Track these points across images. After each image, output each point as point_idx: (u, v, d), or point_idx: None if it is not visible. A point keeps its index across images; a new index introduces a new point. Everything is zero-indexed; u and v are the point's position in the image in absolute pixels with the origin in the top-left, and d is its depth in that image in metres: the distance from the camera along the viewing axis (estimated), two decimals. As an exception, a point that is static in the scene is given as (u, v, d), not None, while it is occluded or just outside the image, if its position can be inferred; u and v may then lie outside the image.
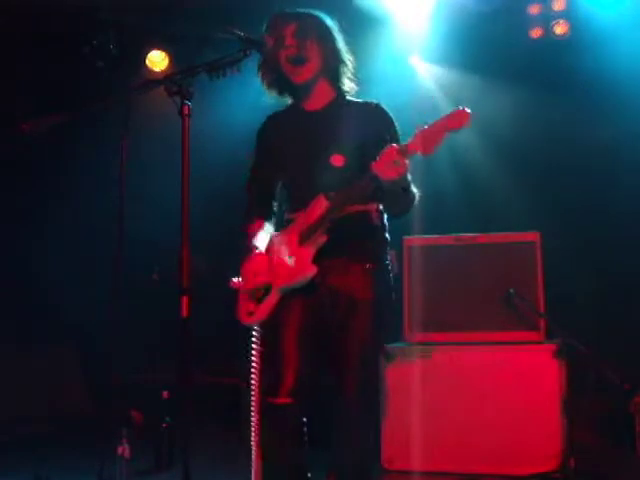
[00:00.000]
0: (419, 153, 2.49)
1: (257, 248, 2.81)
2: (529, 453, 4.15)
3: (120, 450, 4.31)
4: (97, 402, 6.27)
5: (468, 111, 2.45)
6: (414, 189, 2.73)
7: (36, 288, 6.49)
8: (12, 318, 6.45)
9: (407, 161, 2.51)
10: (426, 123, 2.49)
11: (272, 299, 2.75)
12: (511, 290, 4.36)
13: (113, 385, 5.18)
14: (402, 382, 4.36)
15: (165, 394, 4.65)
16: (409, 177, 2.63)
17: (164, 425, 4.59)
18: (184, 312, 2.34)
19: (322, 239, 2.68)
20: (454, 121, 2.46)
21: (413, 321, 4.51)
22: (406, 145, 2.51)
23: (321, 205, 2.69)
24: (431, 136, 2.46)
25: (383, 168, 2.51)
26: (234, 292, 2.94)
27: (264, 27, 2.84)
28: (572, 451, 4.21)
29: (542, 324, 4.36)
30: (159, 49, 6.02)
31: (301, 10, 2.88)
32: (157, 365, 5.98)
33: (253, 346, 2.80)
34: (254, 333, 2.81)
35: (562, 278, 4.83)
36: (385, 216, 2.88)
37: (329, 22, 2.88)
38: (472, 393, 4.28)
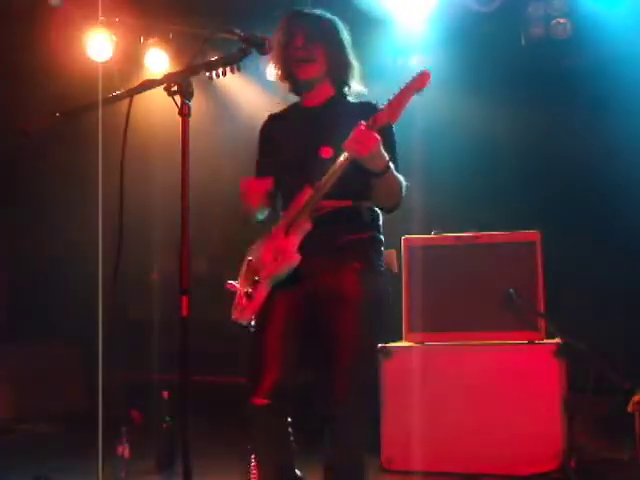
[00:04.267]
0: (387, 122, 2.60)
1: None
2: (529, 453, 4.14)
3: (120, 450, 4.31)
4: (97, 402, 6.26)
5: (428, 71, 2.62)
6: (400, 176, 2.73)
7: (36, 288, 6.49)
8: (12, 318, 6.46)
9: (376, 135, 2.56)
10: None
11: (261, 293, 2.75)
12: (511, 290, 4.36)
13: (113, 385, 5.18)
14: (401, 382, 4.36)
15: (165, 394, 4.65)
16: (386, 156, 2.63)
17: (164, 425, 4.59)
18: (184, 312, 2.34)
19: (307, 226, 2.69)
20: (417, 83, 2.61)
21: (413, 321, 4.51)
22: (373, 118, 2.59)
23: (306, 194, 2.72)
24: (398, 103, 2.60)
25: (353, 145, 2.56)
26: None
27: (277, 26, 2.90)
28: (572, 451, 4.21)
29: (542, 324, 4.36)
30: (159, 48, 6.02)
31: (313, 12, 2.93)
32: (157, 365, 5.97)
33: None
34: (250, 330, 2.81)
35: (562, 278, 4.82)
36: (379, 216, 2.88)
37: (339, 26, 2.93)
38: (472, 393, 4.27)
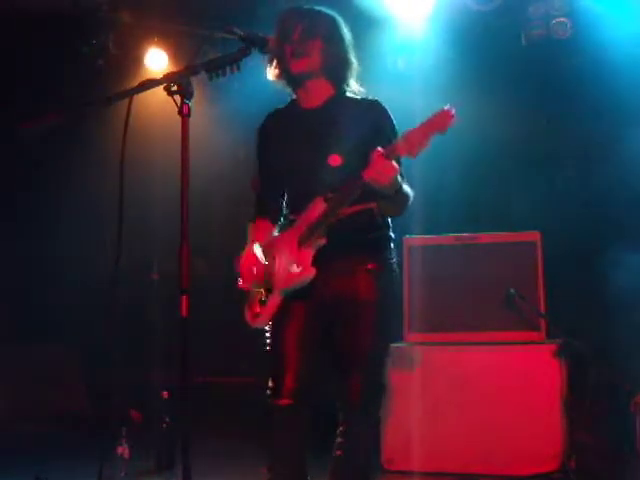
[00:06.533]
0: (405, 156, 2.52)
1: (251, 246, 2.87)
2: (529, 453, 4.14)
3: (120, 450, 4.31)
4: (97, 402, 6.27)
5: (452, 112, 2.44)
6: (407, 189, 2.71)
7: (36, 288, 6.49)
8: (12, 318, 6.45)
9: (395, 164, 2.52)
10: (414, 125, 2.48)
11: (274, 301, 2.76)
12: (511, 290, 4.36)
13: (113, 385, 5.18)
14: (402, 382, 4.35)
15: (165, 394, 4.65)
16: (399, 179, 2.62)
17: (164, 425, 4.59)
18: (184, 312, 2.34)
19: (321, 241, 2.69)
20: (438, 123, 2.45)
21: (413, 321, 4.51)
22: (393, 147, 2.52)
23: (319, 207, 2.69)
24: (416, 139, 2.47)
25: (372, 175, 2.52)
26: (234, 292, 2.95)
27: (275, 22, 2.86)
28: (572, 451, 4.20)
29: (542, 324, 4.36)
30: (159, 48, 6.02)
31: (312, 8, 2.89)
32: (157, 365, 5.98)
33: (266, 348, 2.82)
34: (266, 334, 2.82)
35: (562, 278, 4.82)
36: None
37: (338, 22, 2.89)
38: (472, 393, 4.27)
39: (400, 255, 4.52)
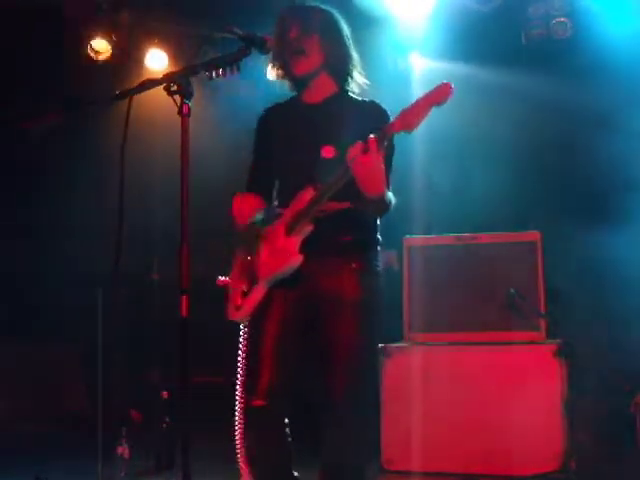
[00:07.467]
0: (402, 132, 2.47)
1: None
2: (530, 453, 4.14)
3: (120, 450, 4.31)
4: (97, 402, 6.27)
5: (451, 85, 2.43)
6: (390, 197, 2.66)
7: (36, 288, 6.49)
8: (12, 318, 6.45)
9: (379, 157, 2.45)
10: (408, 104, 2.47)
11: (258, 292, 2.74)
12: (511, 290, 4.36)
13: (113, 385, 5.18)
14: (402, 382, 4.35)
15: (165, 394, 4.65)
16: (384, 189, 2.56)
17: (164, 425, 4.59)
18: (184, 312, 2.34)
19: (308, 228, 2.67)
20: (438, 96, 2.43)
21: (413, 321, 4.51)
22: (388, 126, 2.47)
23: (308, 194, 2.68)
24: (414, 113, 2.44)
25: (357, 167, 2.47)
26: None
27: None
28: (573, 451, 4.20)
29: (542, 324, 4.36)
30: (159, 48, 6.02)
31: (306, 5, 2.89)
32: (157, 365, 5.98)
33: (240, 344, 2.80)
34: (242, 330, 2.80)
35: (562, 278, 4.82)
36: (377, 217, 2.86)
37: (336, 17, 2.88)
38: (472, 393, 4.27)
39: (400, 255, 4.55)
